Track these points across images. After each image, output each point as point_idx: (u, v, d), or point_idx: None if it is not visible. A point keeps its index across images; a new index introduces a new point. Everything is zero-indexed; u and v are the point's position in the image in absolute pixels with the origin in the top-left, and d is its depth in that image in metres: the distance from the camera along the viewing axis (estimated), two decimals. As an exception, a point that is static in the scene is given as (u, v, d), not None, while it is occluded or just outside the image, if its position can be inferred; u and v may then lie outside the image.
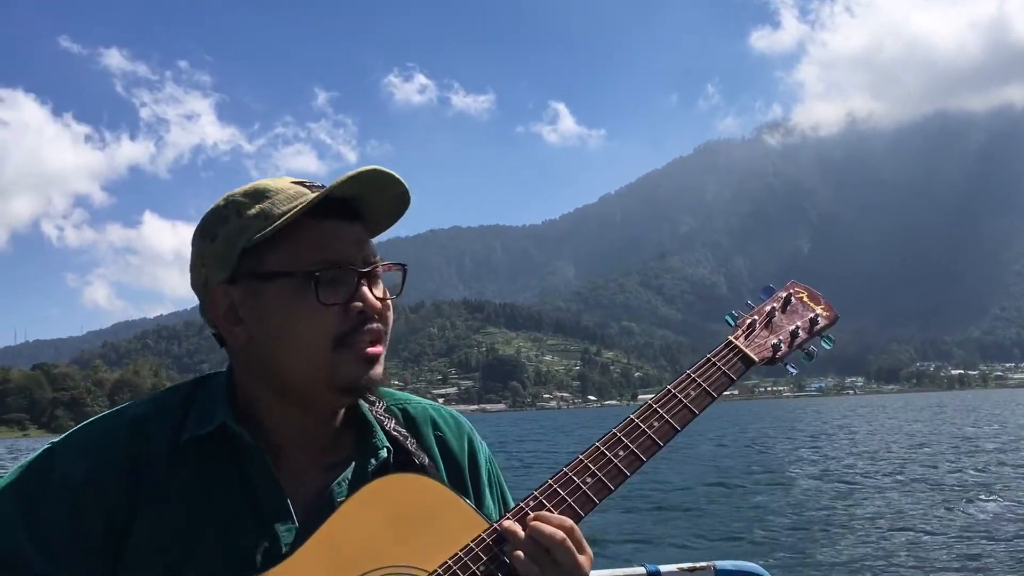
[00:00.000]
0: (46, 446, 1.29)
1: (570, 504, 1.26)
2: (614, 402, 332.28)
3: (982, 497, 14.76)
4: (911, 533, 11.93)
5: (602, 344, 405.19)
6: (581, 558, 1.23)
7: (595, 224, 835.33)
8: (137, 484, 1.24)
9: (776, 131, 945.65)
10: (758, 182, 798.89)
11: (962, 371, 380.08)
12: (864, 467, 22.03)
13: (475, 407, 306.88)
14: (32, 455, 1.28)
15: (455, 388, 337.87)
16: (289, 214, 1.24)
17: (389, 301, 1.34)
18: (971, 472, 19.98)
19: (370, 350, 1.29)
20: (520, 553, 1.23)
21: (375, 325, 1.30)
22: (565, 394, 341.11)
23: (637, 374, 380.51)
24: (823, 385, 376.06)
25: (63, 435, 1.31)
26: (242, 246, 1.26)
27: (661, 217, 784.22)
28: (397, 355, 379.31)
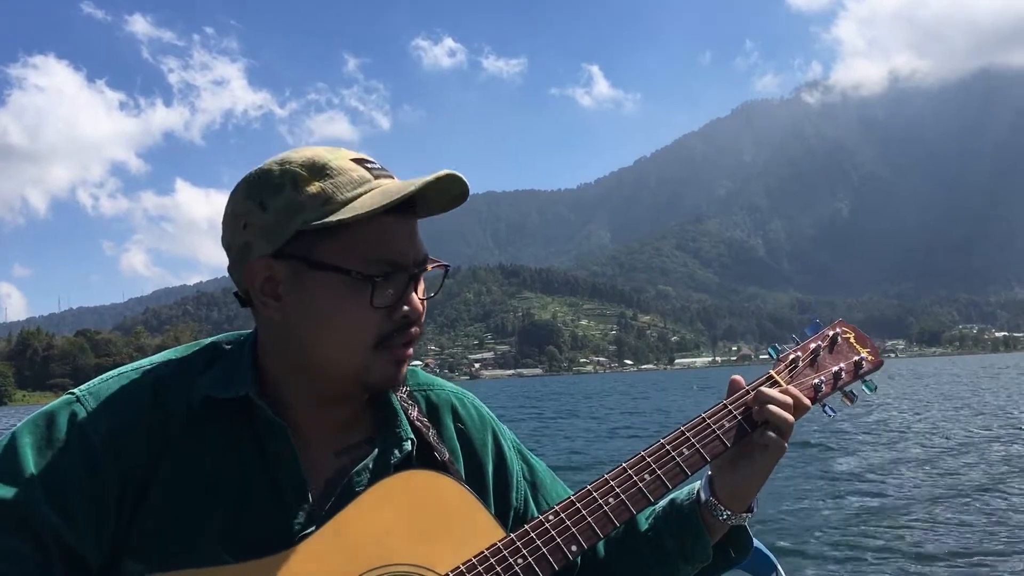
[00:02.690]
0: (67, 396, 1.27)
1: (590, 522, 1.28)
2: (651, 366, 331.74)
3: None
4: (927, 516, 11.18)
5: (638, 308, 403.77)
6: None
7: (631, 187, 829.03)
8: (156, 446, 1.22)
9: (815, 90, 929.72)
10: (797, 143, 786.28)
11: (1006, 333, 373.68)
12: (887, 442, 21.09)
13: (511, 372, 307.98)
14: (52, 404, 1.26)
15: (491, 353, 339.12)
16: (357, 207, 1.20)
17: (425, 301, 1.32)
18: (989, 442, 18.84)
19: (403, 354, 1.28)
20: (774, 407, 1.36)
21: (416, 329, 1.28)
22: (601, 358, 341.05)
23: (674, 338, 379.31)
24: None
25: (83, 386, 1.28)
26: (298, 227, 1.20)
27: (698, 180, 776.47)
28: (433, 320, 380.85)
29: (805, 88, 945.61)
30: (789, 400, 1.38)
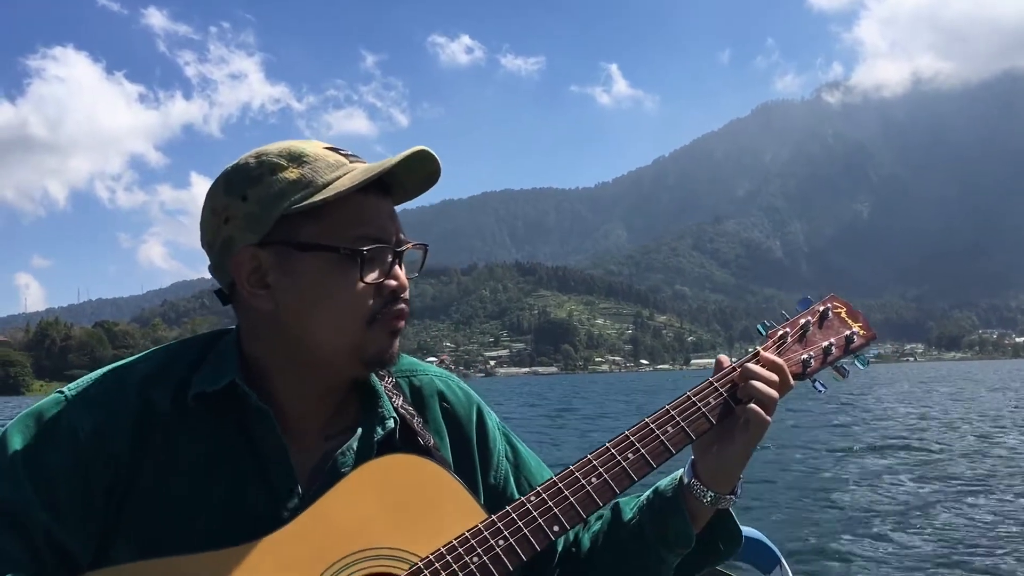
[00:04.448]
0: (55, 394, 1.28)
1: (572, 503, 1.26)
2: (666, 366, 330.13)
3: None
4: (929, 514, 10.77)
5: (655, 308, 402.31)
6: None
7: (649, 187, 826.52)
8: (143, 441, 1.23)
9: (836, 90, 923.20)
10: (817, 144, 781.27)
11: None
12: (891, 439, 20.57)
13: (527, 370, 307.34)
14: (40, 403, 1.27)
15: (507, 351, 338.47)
16: (338, 186, 1.23)
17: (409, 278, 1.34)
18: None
19: (396, 325, 1.30)
20: (759, 383, 1.35)
21: (403, 305, 1.30)
22: (617, 358, 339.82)
23: (690, 338, 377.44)
24: (880, 352, 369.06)
25: (74, 384, 1.30)
26: (281, 212, 1.22)
27: (716, 180, 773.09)
28: (449, 317, 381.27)
29: (826, 88, 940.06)
30: (775, 377, 1.37)
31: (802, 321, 1.48)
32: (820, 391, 1.47)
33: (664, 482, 1.43)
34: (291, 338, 1.28)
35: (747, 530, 2.08)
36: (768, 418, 1.34)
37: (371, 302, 1.26)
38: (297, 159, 1.26)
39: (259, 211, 1.24)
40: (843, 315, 1.50)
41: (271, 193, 1.23)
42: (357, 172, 1.25)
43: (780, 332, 1.47)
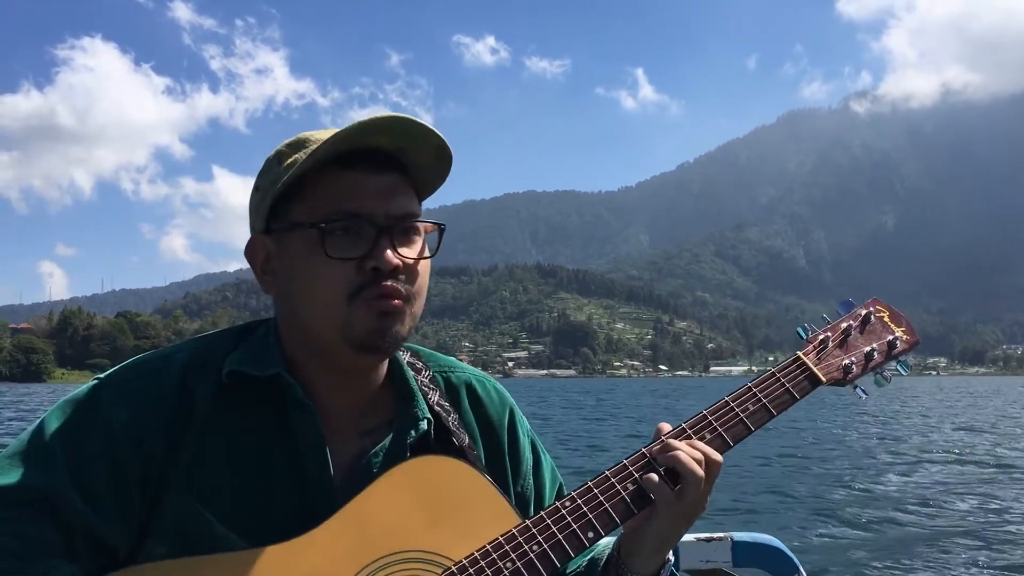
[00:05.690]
0: (92, 382, 1.28)
1: (607, 508, 1.24)
2: (685, 372, 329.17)
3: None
4: (942, 521, 10.89)
5: (675, 314, 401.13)
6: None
7: (672, 192, 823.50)
8: (179, 431, 1.23)
9: (864, 100, 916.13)
10: (843, 153, 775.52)
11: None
12: (908, 449, 20.27)
13: (544, 372, 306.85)
14: (78, 391, 1.27)
15: (525, 352, 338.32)
16: (302, 162, 1.22)
17: (416, 260, 1.28)
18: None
19: (383, 305, 1.23)
20: (684, 455, 1.25)
21: (389, 283, 1.23)
22: (636, 363, 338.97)
23: (710, 345, 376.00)
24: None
25: (109, 372, 1.30)
26: (272, 196, 1.25)
27: (740, 187, 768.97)
28: (468, 317, 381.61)
29: (854, 97, 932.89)
30: (699, 455, 1.28)
31: (843, 325, 1.45)
32: (862, 397, 1.42)
33: (601, 546, 1.39)
34: (293, 321, 1.29)
35: (765, 537, 2.08)
36: (688, 501, 1.26)
37: (349, 279, 1.22)
38: (299, 146, 1.27)
39: (262, 199, 1.28)
40: (886, 319, 1.47)
41: (272, 180, 1.26)
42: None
43: (821, 336, 1.43)
